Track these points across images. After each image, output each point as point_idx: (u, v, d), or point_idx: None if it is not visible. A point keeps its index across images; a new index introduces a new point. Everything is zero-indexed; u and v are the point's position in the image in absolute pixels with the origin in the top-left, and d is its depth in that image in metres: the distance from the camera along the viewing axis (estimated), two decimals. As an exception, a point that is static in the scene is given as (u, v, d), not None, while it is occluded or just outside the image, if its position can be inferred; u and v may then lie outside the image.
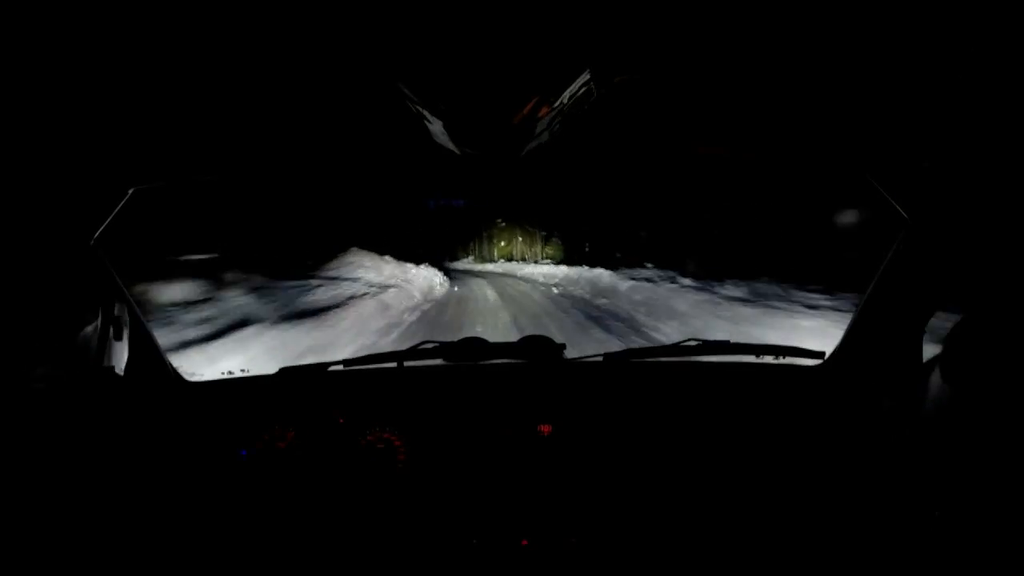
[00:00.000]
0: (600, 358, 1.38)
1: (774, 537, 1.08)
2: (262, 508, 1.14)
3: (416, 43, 0.77)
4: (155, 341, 1.23)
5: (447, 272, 17.52)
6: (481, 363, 1.36)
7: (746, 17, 0.74)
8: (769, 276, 8.27)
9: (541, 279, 17.04)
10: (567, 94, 0.84)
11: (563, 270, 17.27)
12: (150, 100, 0.86)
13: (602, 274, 13.29)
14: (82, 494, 0.97)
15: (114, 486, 1.05)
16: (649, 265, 12.43)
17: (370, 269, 11.51)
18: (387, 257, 13.41)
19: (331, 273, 10.44)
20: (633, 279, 11.18)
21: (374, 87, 0.85)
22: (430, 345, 1.38)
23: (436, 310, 8.99)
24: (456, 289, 13.17)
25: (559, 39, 0.77)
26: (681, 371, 1.40)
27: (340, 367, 1.37)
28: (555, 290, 12.63)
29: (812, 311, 6.32)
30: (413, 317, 8.00)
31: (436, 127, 0.91)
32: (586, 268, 15.25)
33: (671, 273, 10.88)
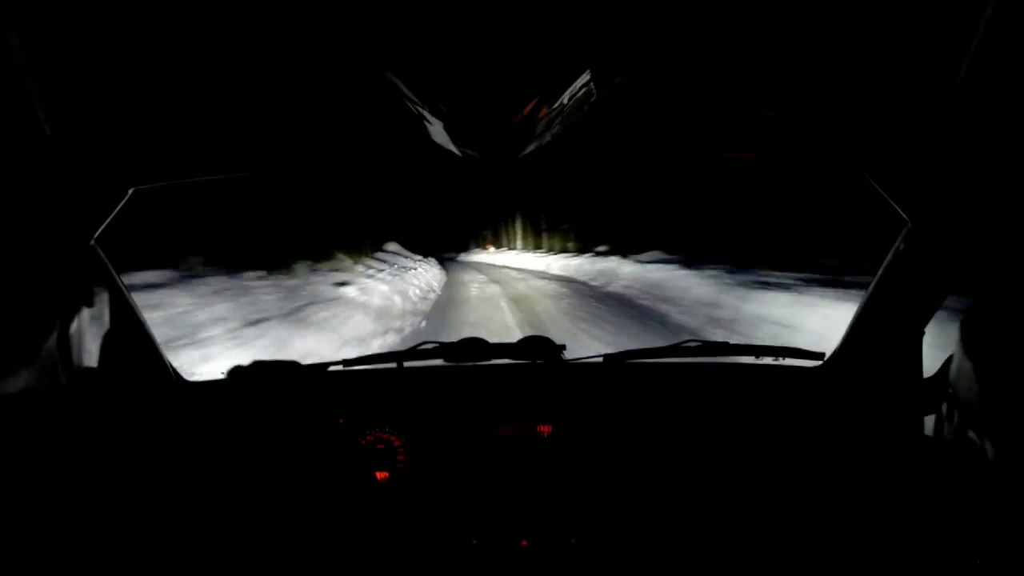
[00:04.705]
0: (600, 359, 1.38)
1: (774, 538, 1.08)
2: (262, 508, 1.15)
3: (416, 43, 0.78)
4: (155, 341, 1.23)
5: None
6: (481, 363, 1.36)
7: (746, 17, 0.74)
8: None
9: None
10: (567, 95, 0.84)
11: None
12: (151, 99, 0.86)
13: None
14: (81, 494, 0.97)
15: (113, 486, 1.05)
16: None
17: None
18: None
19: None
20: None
21: (375, 87, 0.85)
22: (429, 345, 1.38)
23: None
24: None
25: (559, 39, 0.77)
26: (680, 372, 1.40)
27: (340, 367, 1.37)
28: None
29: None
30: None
31: (436, 128, 0.91)
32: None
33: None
